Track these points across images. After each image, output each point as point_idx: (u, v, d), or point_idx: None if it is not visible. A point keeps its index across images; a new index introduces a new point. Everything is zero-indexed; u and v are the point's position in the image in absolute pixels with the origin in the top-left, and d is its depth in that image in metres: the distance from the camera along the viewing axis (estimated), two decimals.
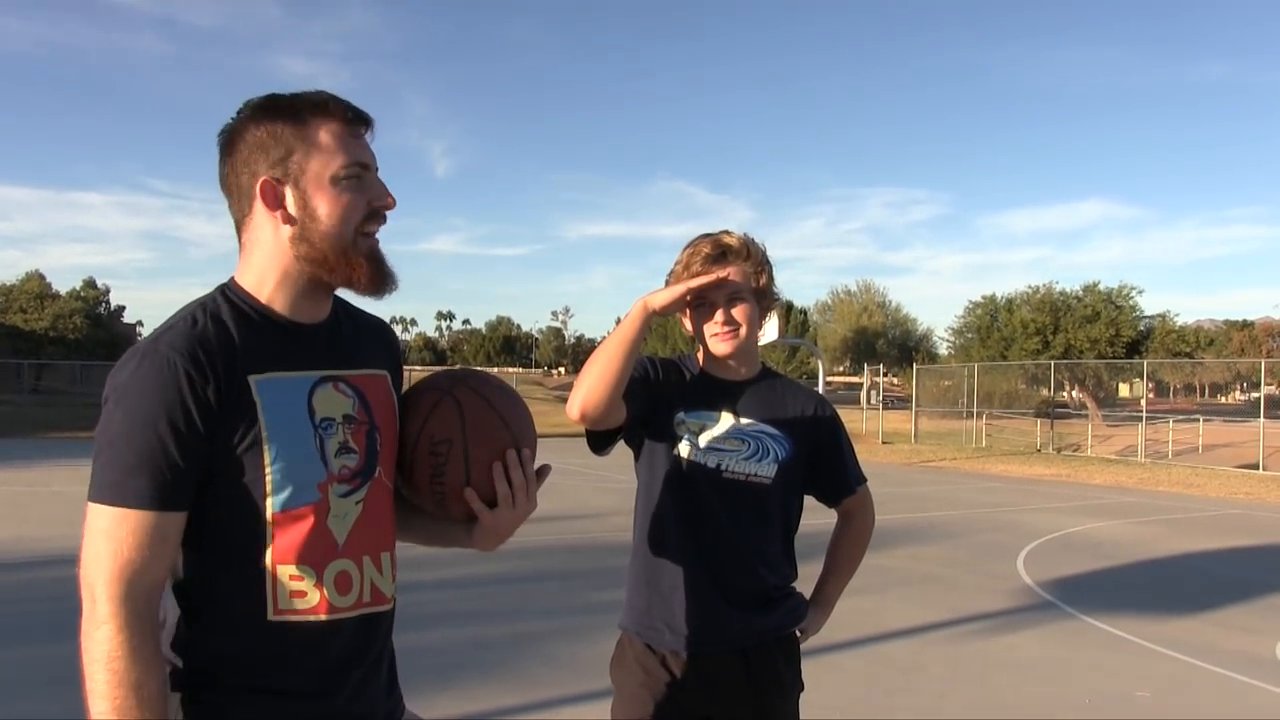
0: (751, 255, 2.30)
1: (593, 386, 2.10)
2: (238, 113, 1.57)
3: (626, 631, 2.38)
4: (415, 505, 1.73)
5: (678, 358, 2.43)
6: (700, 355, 2.39)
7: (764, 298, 2.32)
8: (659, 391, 2.32)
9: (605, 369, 2.09)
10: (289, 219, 1.54)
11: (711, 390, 2.34)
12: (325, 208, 1.53)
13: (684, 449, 2.30)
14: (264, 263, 1.56)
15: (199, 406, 1.43)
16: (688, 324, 2.36)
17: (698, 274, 2.24)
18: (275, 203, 1.54)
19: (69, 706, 4.78)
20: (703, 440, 2.30)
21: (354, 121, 1.57)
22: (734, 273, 2.26)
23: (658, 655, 2.30)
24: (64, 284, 50.60)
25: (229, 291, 1.58)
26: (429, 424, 1.63)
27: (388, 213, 1.60)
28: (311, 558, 1.51)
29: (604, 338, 2.20)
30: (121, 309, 54.90)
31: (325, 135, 1.54)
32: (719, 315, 2.27)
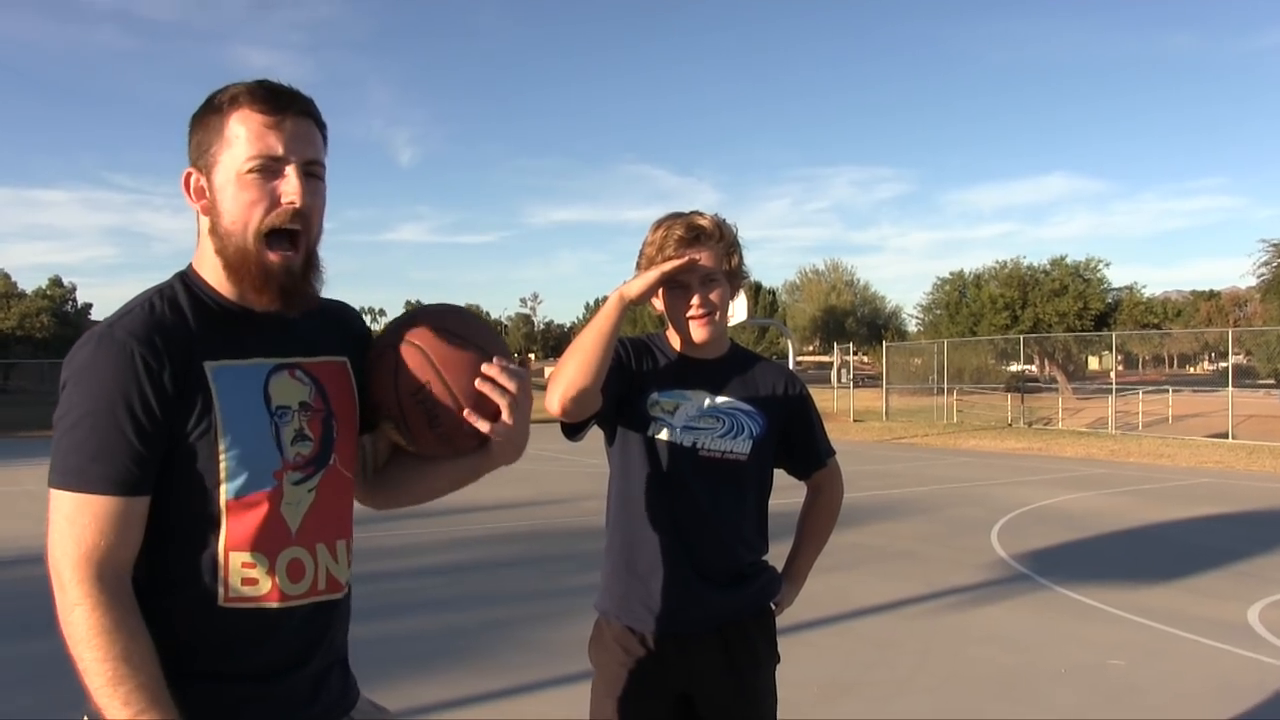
0: (724, 237, 2.29)
1: (571, 381, 2.08)
2: None
3: (605, 614, 2.38)
4: (431, 460, 1.72)
5: (647, 337, 2.43)
6: (670, 335, 2.39)
7: (735, 279, 2.33)
8: (632, 375, 2.32)
9: (583, 363, 2.08)
10: (206, 211, 1.52)
11: (685, 370, 2.35)
12: (226, 203, 1.50)
13: (659, 430, 2.30)
14: (204, 251, 1.55)
15: (156, 392, 1.42)
16: (658, 304, 2.35)
17: (671, 257, 2.23)
18: (197, 194, 1.52)
19: (39, 703, 4.77)
20: (678, 420, 2.30)
21: (273, 110, 1.48)
22: (707, 256, 2.25)
23: (636, 635, 2.31)
24: (29, 283, 49.97)
25: (187, 279, 1.56)
26: (400, 380, 1.60)
27: (296, 212, 1.49)
28: (264, 545, 1.50)
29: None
30: (89, 306, 54.21)
31: (237, 125, 1.49)
32: (695, 299, 2.27)
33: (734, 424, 2.33)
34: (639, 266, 2.33)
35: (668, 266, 2.18)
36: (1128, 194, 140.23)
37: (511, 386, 1.58)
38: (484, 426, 1.58)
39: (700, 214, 2.30)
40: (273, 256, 1.49)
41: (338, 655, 1.67)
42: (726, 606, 2.33)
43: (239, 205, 1.48)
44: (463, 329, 1.63)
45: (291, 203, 1.48)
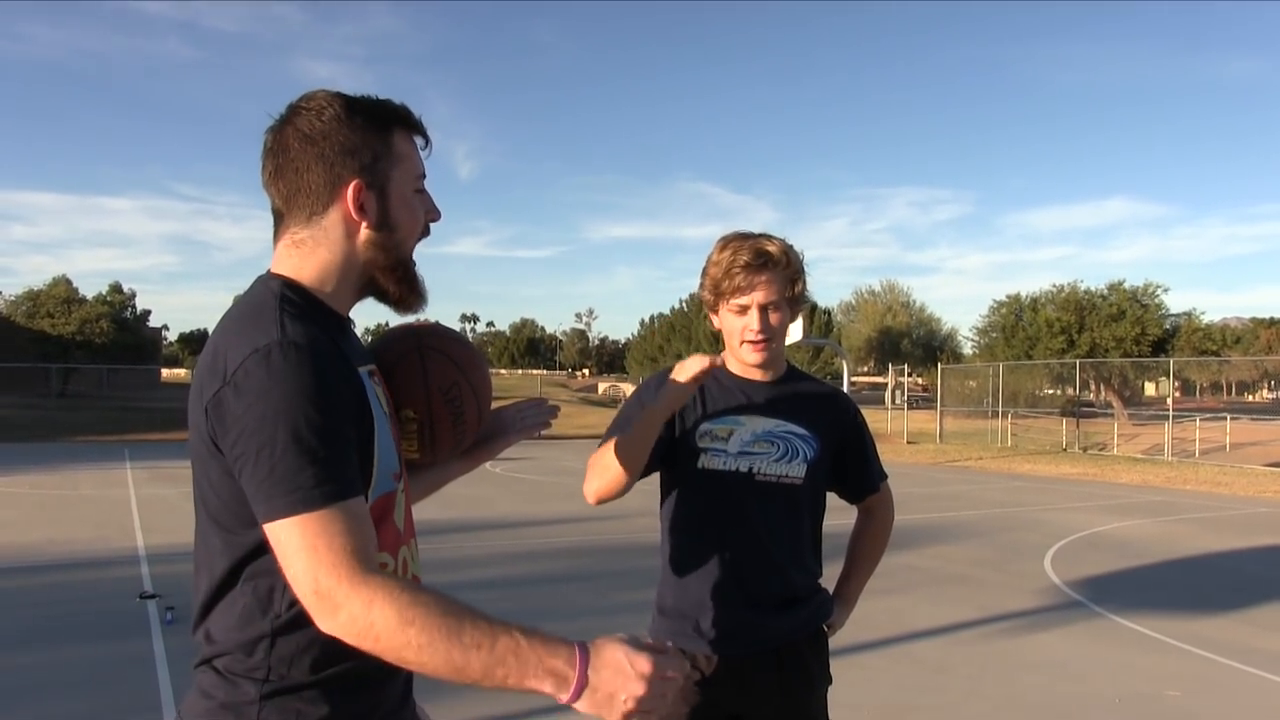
0: (790, 263, 2.31)
1: (606, 485, 2.22)
2: (310, 109, 1.53)
3: (656, 636, 2.37)
4: (418, 469, 1.82)
5: None
6: (726, 355, 2.40)
7: (796, 304, 2.34)
8: (676, 425, 2.34)
9: (618, 469, 2.19)
10: (372, 225, 1.54)
11: (739, 394, 2.35)
12: (403, 218, 1.57)
13: (713, 460, 2.31)
14: (330, 261, 1.54)
15: (360, 394, 1.47)
16: (716, 322, 2.38)
17: (739, 285, 2.26)
18: (359, 207, 1.52)
19: (95, 707, 4.86)
20: (733, 446, 2.31)
21: (422, 134, 1.62)
22: (770, 281, 2.27)
23: (689, 655, 2.30)
24: (90, 289, 51.15)
25: (295, 289, 1.52)
26: (430, 380, 1.72)
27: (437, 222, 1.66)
28: (391, 546, 1.55)
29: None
30: (147, 313, 55.24)
31: (405, 145, 1.58)
32: (754, 323, 2.28)
33: (789, 448, 2.33)
34: (702, 286, 2.36)
35: (688, 380, 2.05)
36: (1190, 219, 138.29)
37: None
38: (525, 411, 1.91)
39: (768, 238, 2.31)
40: (415, 267, 1.63)
41: None
42: (781, 629, 2.33)
43: (412, 219, 1.59)
44: (457, 336, 1.83)
45: (436, 218, 1.64)
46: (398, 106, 1.58)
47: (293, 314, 1.44)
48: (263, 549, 1.40)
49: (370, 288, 1.59)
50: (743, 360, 2.34)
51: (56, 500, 13.57)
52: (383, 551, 1.51)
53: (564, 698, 1.31)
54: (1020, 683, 5.65)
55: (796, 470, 2.33)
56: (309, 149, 1.51)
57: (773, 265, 2.27)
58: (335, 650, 1.39)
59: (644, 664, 1.31)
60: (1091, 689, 5.56)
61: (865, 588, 2.66)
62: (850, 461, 2.47)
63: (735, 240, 2.32)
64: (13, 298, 47.10)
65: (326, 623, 1.31)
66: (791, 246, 2.34)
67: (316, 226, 1.54)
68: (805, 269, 2.36)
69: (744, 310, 2.29)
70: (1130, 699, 5.37)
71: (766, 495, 2.30)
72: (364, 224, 1.54)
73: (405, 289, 1.60)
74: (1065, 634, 6.83)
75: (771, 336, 2.30)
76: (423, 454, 1.75)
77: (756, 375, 2.37)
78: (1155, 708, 5.24)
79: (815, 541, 2.43)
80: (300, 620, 1.40)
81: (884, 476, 2.57)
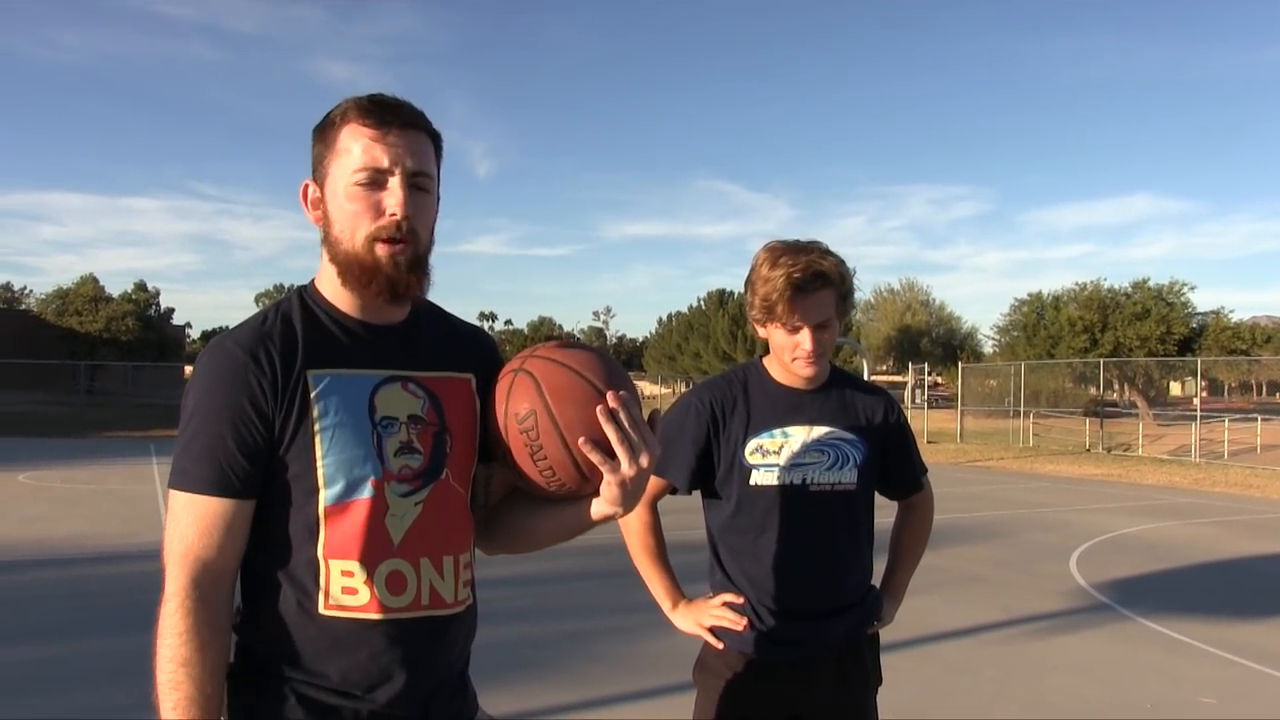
0: (844, 280, 2.28)
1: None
2: None
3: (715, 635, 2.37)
4: (540, 503, 1.66)
5: (740, 372, 2.42)
6: (769, 363, 2.39)
7: (844, 316, 2.32)
8: (716, 448, 2.34)
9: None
10: (319, 221, 1.58)
11: (784, 404, 2.34)
12: (336, 213, 1.55)
13: (766, 475, 2.30)
14: (325, 265, 1.60)
15: (259, 399, 1.48)
16: (762, 333, 2.34)
17: (793, 307, 2.21)
18: (313, 205, 1.59)
19: (130, 699, 4.88)
20: (784, 459, 2.30)
21: (379, 124, 1.52)
22: (822, 307, 2.25)
23: (748, 658, 2.31)
24: (116, 287, 51.29)
25: (304, 293, 1.63)
26: (510, 405, 1.57)
27: (398, 224, 1.52)
28: (363, 555, 1.51)
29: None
30: (171, 311, 55.69)
31: (346, 139, 1.54)
32: (807, 343, 2.26)
33: (839, 455, 2.33)
34: (750, 299, 2.31)
35: (711, 623, 2.33)
36: (1216, 215, 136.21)
37: (628, 425, 1.52)
38: (597, 458, 1.51)
39: (821, 254, 2.26)
40: (380, 249, 1.53)
41: (448, 673, 1.65)
42: (839, 632, 2.35)
43: (346, 216, 1.53)
44: (583, 364, 1.57)
45: (394, 215, 1.51)
46: (353, 100, 1.55)
47: (269, 319, 1.57)
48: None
49: (357, 282, 1.56)
50: (793, 373, 2.33)
51: (87, 495, 13.68)
52: (351, 559, 1.51)
53: None
54: (1048, 685, 5.60)
55: (849, 476, 2.33)
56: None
57: (827, 284, 2.24)
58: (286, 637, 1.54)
59: None
60: (1121, 693, 5.50)
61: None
62: (893, 461, 2.47)
63: (787, 256, 2.24)
64: (43, 296, 47.60)
65: (163, 599, 1.46)
66: (842, 260, 2.30)
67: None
68: (852, 277, 2.33)
69: (797, 329, 2.26)
70: (1162, 704, 5.31)
71: (822, 505, 2.31)
72: (320, 224, 1.59)
73: (365, 286, 1.54)
74: (1093, 637, 6.76)
75: (824, 353, 2.28)
76: (518, 480, 1.62)
77: (801, 384, 2.36)
78: (1190, 714, 5.18)
79: (870, 541, 2.44)
80: (254, 605, 1.57)
81: (925, 471, 2.58)
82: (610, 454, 1.51)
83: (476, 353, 1.72)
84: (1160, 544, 11.13)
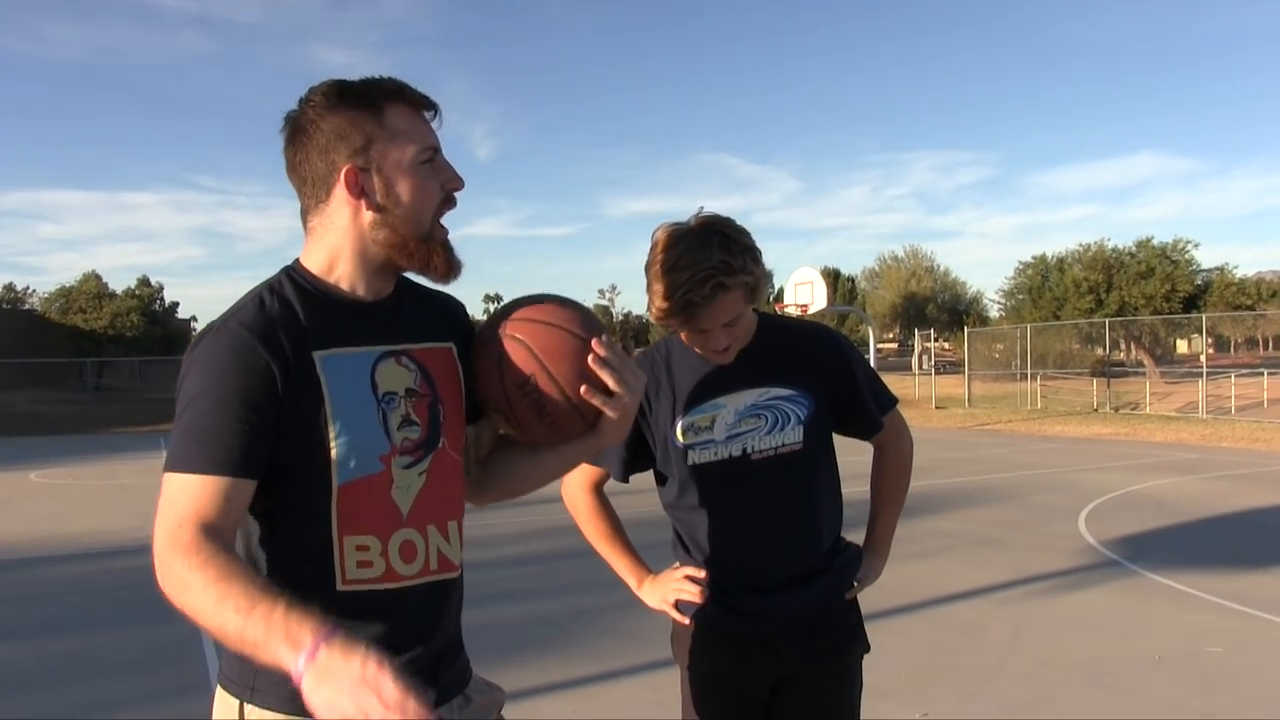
0: (747, 269, 2.04)
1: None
2: (306, 100, 1.58)
3: (682, 612, 2.28)
4: (534, 449, 1.76)
5: (660, 349, 2.27)
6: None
7: (756, 298, 2.10)
8: (647, 431, 2.24)
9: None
10: (372, 205, 1.57)
11: (710, 377, 2.18)
12: (407, 194, 1.57)
13: (703, 453, 2.17)
14: (337, 245, 1.60)
15: (267, 382, 1.48)
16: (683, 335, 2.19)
17: (687, 323, 2.05)
18: (358, 191, 1.57)
19: (151, 686, 4.95)
20: (718, 433, 2.16)
21: (424, 106, 1.61)
22: (723, 308, 2.03)
23: (717, 634, 2.23)
24: (119, 283, 51.21)
25: (294, 273, 1.62)
26: (505, 375, 1.63)
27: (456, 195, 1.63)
28: (376, 528, 1.55)
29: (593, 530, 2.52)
30: (175, 305, 55.56)
31: (401, 121, 1.57)
32: (718, 343, 2.10)
33: (777, 415, 2.16)
34: (648, 302, 2.11)
35: (675, 597, 2.28)
36: (1219, 171, 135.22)
37: (618, 364, 1.64)
38: (600, 402, 1.63)
39: (706, 250, 2.00)
40: (439, 231, 1.62)
41: (454, 635, 1.71)
42: (809, 599, 2.22)
43: (421, 194, 1.58)
44: (562, 318, 1.65)
45: (460, 185, 1.63)
46: (388, 82, 1.58)
47: (267, 301, 1.56)
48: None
49: (393, 265, 1.61)
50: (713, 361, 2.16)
51: (99, 490, 13.77)
52: (367, 534, 1.54)
53: (294, 667, 1.25)
54: (1058, 642, 5.64)
55: (793, 436, 2.16)
56: (306, 141, 1.58)
57: (724, 291, 2.01)
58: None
59: (390, 690, 1.22)
60: (1130, 647, 5.54)
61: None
62: (844, 404, 2.24)
63: (675, 266, 2.01)
64: (46, 295, 47.66)
65: (159, 579, 1.39)
66: (736, 241, 2.04)
67: (324, 214, 1.60)
68: (759, 255, 2.08)
69: (703, 332, 2.08)
70: (1170, 656, 5.36)
71: (768, 471, 2.16)
72: (364, 206, 1.57)
73: (426, 262, 1.60)
74: (1102, 593, 6.81)
75: (738, 339, 2.12)
76: (521, 436, 1.72)
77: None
78: (1196, 664, 5.23)
79: (834, 496, 2.29)
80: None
81: (892, 404, 2.35)
82: (609, 393, 1.64)
83: (453, 321, 1.77)
84: (1168, 500, 11.16)
